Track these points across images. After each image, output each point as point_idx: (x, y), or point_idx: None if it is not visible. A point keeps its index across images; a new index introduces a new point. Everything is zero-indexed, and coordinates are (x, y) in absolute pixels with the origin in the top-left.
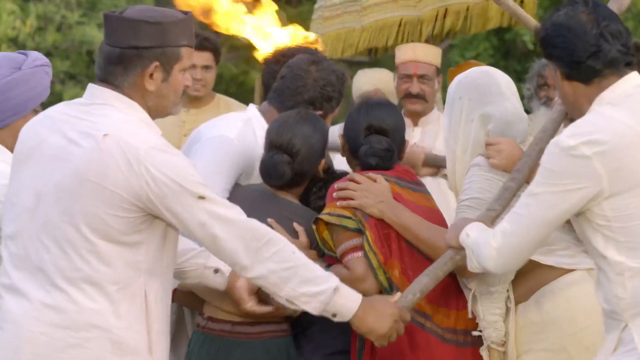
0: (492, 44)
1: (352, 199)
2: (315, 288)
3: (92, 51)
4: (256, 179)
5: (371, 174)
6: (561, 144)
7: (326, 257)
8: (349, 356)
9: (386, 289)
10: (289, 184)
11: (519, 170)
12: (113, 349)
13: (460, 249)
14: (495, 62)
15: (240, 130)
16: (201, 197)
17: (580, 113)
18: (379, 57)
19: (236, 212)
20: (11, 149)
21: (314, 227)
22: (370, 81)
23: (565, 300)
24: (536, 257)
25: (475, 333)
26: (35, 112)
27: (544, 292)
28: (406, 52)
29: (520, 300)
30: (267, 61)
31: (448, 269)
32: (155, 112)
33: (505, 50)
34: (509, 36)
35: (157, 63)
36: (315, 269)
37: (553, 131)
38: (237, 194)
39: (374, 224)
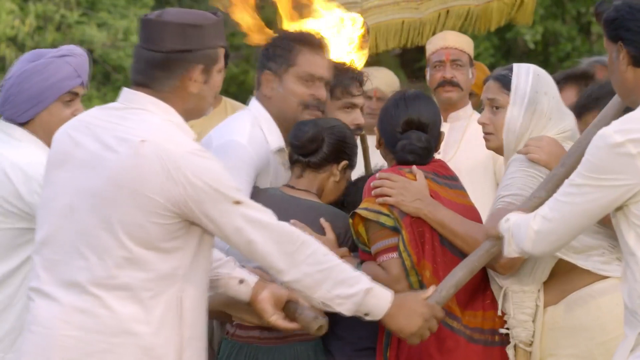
0: (493, 44)
1: (389, 196)
2: (349, 290)
3: (91, 50)
4: (272, 177)
5: (414, 167)
6: (608, 140)
7: (360, 251)
8: (375, 353)
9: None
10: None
11: (570, 155)
12: (142, 356)
13: (498, 238)
14: (496, 62)
15: (250, 133)
16: (237, 202)
17: (635, 102)
18: (380, 56)
19: (270, 216)
20: (43, 142)
21: (350, 220)
22: (370, 80)
23: (597, 308)
24: (574, 260)
25: (502, 331)
26: (66, 103)
27: (575, 298)
28: (436, 41)
29: (550, 303)
30: None
31: (484, 261)
32: (192, 115)
33: (506, 50)
34: (510, 35)
35: (201, 66)
36: (348, 269)
37: (611, 118)
38: (256, 199)
39: (409, 222)
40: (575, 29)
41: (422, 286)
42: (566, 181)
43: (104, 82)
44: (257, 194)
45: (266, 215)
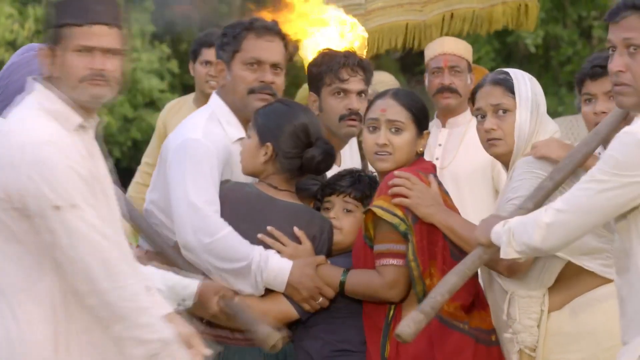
0: (494, 47)
1: (406, 197)
2: (148, 336)
3: None
4: (236, 168)
5: (430, 175)
6: (637, 136)
7: (358, 246)
8: (354, 356)
9: (420, 299)
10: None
11: (559, 170)
12: (11, 354)
13: (489, 246)
14: (496, 65)
15: (205, 127)
16: (57, 207)
17: None
18: (380, 60)
19: (100, 235)
20: None
21: (362, 215)
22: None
23: (602, 313)
24: (580, 261)
25: (507, 335)
26: None
27: (579, 303)
28: (434, 47)
29: (554, 308)
30: (309, 66)
31: (476, 268)
32: (79, 100)
33: (506, 54)
34: (511, 39)
35: (43, 46)
36: (152, 316)
37: (604, 136)
38: (230, 196)
39: (419, 229)
40: (576, 33)
41: (426, 295)
42: (584, 177)
43: None
44: (233, 189)
45: (91, 231)
